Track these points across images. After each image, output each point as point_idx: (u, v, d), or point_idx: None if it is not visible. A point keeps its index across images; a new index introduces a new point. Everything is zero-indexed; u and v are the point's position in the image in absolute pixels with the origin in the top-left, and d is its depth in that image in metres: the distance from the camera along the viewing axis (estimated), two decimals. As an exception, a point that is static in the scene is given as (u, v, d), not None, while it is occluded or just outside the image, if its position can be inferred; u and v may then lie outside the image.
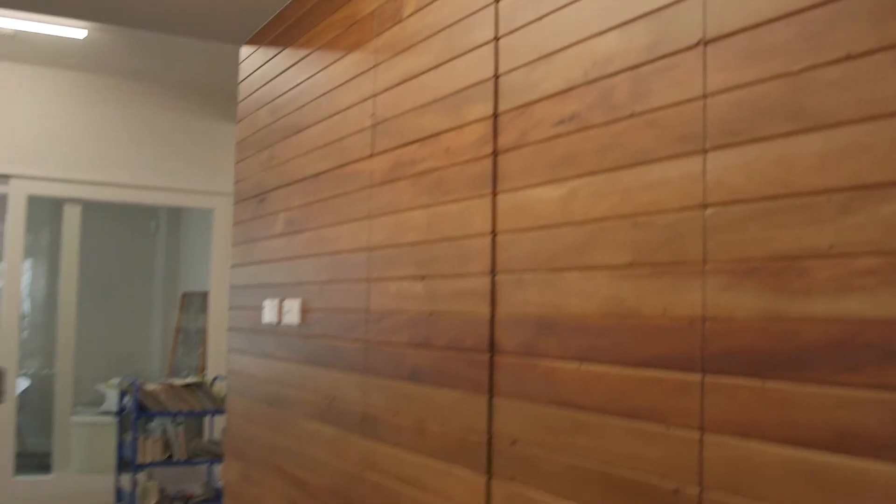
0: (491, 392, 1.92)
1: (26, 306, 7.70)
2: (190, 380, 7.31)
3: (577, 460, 1.67)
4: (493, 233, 1.92)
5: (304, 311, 2.85)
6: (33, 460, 8.39)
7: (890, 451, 1.13)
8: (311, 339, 2.80)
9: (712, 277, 1.40)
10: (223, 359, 8.05)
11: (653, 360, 1.50)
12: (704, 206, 1.41)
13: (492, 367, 1.92)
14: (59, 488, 7.65)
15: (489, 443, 1.92)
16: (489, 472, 1.92)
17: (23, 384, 7.92)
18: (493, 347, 1.92)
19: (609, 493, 1.59)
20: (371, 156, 2.45)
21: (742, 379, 1.34)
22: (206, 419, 7.97)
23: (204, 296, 8.91)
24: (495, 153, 1.93)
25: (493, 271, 1.92)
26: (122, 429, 7.36)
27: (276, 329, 3.05)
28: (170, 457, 7.12)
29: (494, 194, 1.92)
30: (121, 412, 7.36)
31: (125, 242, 10.40)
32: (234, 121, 7.83)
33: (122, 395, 7.28)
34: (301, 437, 2.84)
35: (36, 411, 8.94)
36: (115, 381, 7.46)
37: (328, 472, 2.65)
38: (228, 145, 8.04)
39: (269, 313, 3.10)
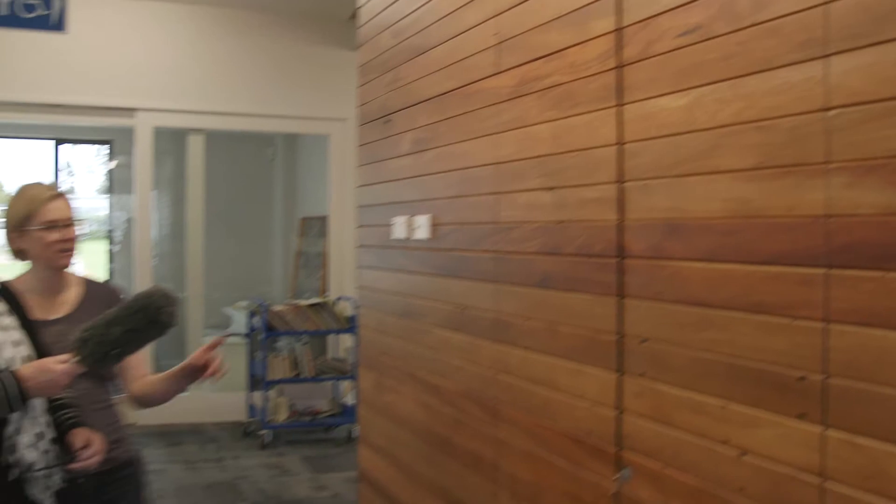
0: (620, 294, 2.04)
1: (154, 235, 8.08)
2: (314, 300, 7.63)
3: (704, 354, 1.78)
4: (620, 143, 2.02)
5: (434, 225, 3.00)
6: (169, 380, 8.87)
7: None
8: (441, 252, 2.96)
9: (835, 176, 1.48)
10: (344, 280, 8.34)
11: (778, 257, 1.60)
12: (827, 108, 1.49)
13: (621, 270, 2.03)
14: (196, 405, 8.10)
15: (619, 342, 2.05)
16: (620, 370, 2.05)
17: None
18: (621, 252, 2.03)
19: (736, 382, 1.70)
20: (496, 73, 2.56)
21: (864, 271, 1.43)
22: (331, 338, 8.30)
23: (322, 220, 9.20)
24: (620, 66, 2.02)
25: (619, 179, 2.02)
26: (252, 348, 7.74)
27: (407, 244, 3.21)
28: (297, 374, 7.48)
29: (620, 106, 2.02)
30: (250, 332, 7.73)
31: (244, 170, 10.74)
32: (348, 47, 7.98)
33: (251, 315, 7.63)
34: (434, 345, 3.01)
35: (169, 334, 9.44)
36: (242, 303, 7.81)
37: (461, 376, 2.82)
38: (343, 72, 8.20)
39: (398, 229, 3.27)
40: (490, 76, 2.61)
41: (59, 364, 2.22)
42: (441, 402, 2.97)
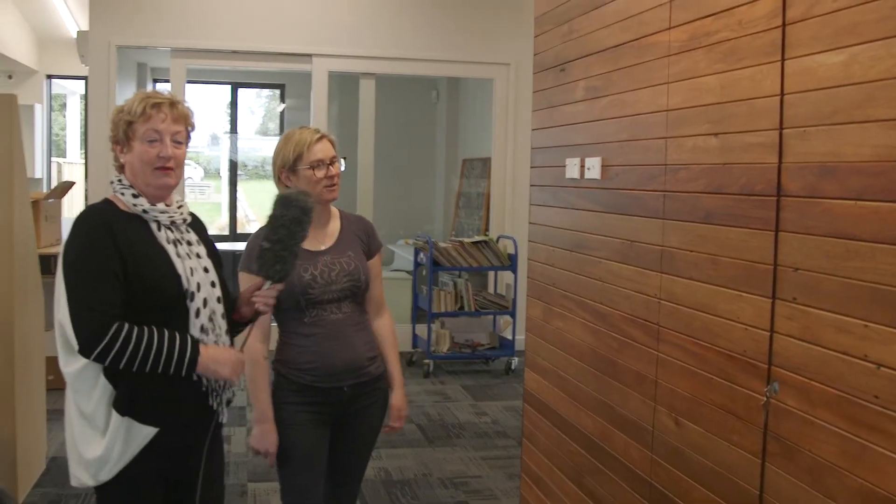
0: (776, 229, 2.30)
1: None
2: (477, 238, 7.99)
3: (849, 280, 2.03)
4: (781, 94, 2.27)
5: (605, 166, 3.28)
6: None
7: None
8: (611, 190, 3.24)
9: (973, 126, 1.71)
10: (505, 220, 8.67)
11: (919, 196, 1.84)
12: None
13: (778, 207, 2.29)
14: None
15: (774, 271, 2.31)
16: (774, 296, 2.32)
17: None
18: (779, 191, 2.28)
19: (877, 305, 1.95)
20: (669, 28, 2.81)
21: None
22: (491, 275, 8.68)
23: (484, 161, 9.53)
24: (784, 25, 2.26)
25: (780, 127, 2.27)
26: (417, 283, 8.18)
27: (579, 183, 3.50)
28: (460, 308, 7.89)
29: (782, 61, 2.26)
30: (416, 267, 8.16)
31: (409, 113, 11.14)
32: (516, -6, 8.22)
33: (418, 252, 8.06)
34: (602, 276, 3.31)
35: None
36: (410, 240, 8.21)
37: (628, 304, 3.11)
38: (508, 18, 8.46)
39: (571, 170, 3.56)
40: (663, 31, 2.85)
41: (233, 360, 2.55)
42: (608, 327, 3.27)
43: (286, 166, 3.01)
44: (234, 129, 11.52)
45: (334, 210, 3.16)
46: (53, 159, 13.14)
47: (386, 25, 8.38)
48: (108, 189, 2.62)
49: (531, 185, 4.08)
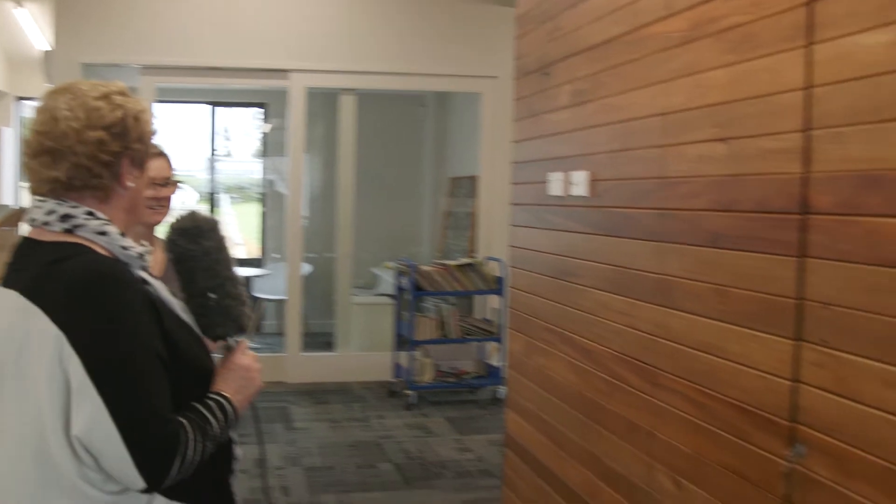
0: (802, 254, 1.87)
1: (305, 196, 8.18)
2: (463, 261, 7.59)
3: (900, 321, 1.61)
4: (808, 87, 1.85)
5: (593, 181, 2.88)
6: (317, 339, 9.02)
7: None
8: (600, 209, 2.83)
9: None
10: (493, 240, 8.28)
11: None
12: None
13: (804, 228, 1.86)
14: (342, 364, 8.22)
15: (799, 306, 1.88)
16: (798, 337, 1.88)
17: (305, 269, 8.46)
18: (805, 207, 1.86)
19: (939, 354, 1.52)
20: (667, 17, 2.41)
21: None
22: (478, 299, 8.27)
23: (472, 180, 9.15)
24: (811, 1, 1.84)
25: (806, 127, 1.85)
26: (399, 308, 7.78)
27: (563, 201, 3.10)
28: (444, 335, 7.48)
29: (809, 45, 1.84)
30: (398, 292, 7.76)
31: (394, 130, 10.78)
32: (500, 2, 7.86)
33: (399, 276, 7.66)
34: (589, 307, 2.90)
35: (317, 294, 9.57)
36: (391, 263, 7.86)
37: (618, 340, 2.70)
38: (496, 28, 8.10)
39: (555, 186, 3.16)
40: (660, 20, 2.45)
41: (247, 365, 1.94)
42: (595, 367, 2.85)
43: None
44: (213, 152, 11.17)
45: (157, 238, 2.90)
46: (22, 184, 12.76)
47: (367, 39, 8.03)
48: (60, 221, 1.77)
49: (512, 204, 3.68)
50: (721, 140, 2.16)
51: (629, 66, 2.64)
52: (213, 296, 1.92)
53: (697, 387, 2.27)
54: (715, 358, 2.19)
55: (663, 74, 2.44)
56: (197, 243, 1.95)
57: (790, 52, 1.90)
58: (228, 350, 1.93)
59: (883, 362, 1.65)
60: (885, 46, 1.64)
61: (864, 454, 1.70)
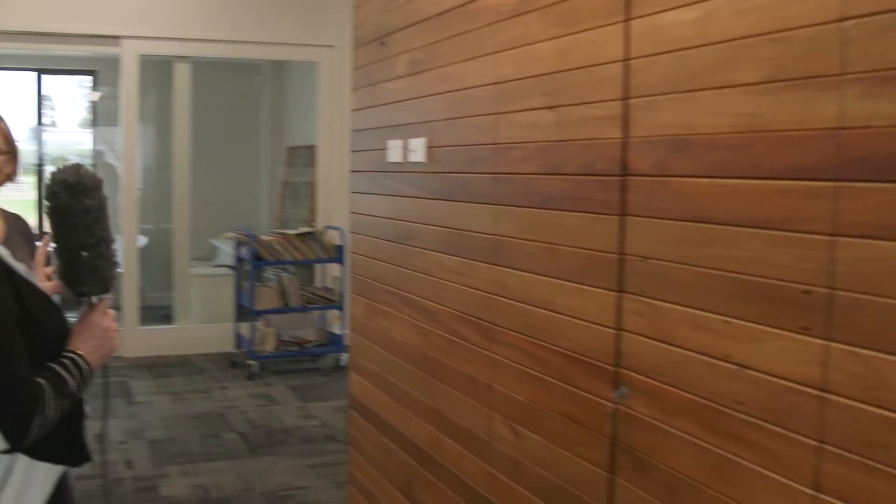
0: (622, 213, 2.02)
1: (140, 167, 7.98)
2: (303, 230, 7.60)
3: (707, 270, 1.78)
4: (626, 59, 1.99)
5: (430, 148, 2.97)
6: (155, 312, 8.85)
7: None
8: (437, 174, 2.93)
9: (850, 88, 1.46)
10: (332, 209, 8.31)
11: (786, 171, 1.59)
12: (844, 18, 1.47)
13: (623, 188, 2.02)
14: (182, 336, 8.11)
15: (620, 261, 2.04)
16: (620, 288, 2.05)
17: (141, 241, 8.28)
18: (624, 170, 2.01)
19: (739, 298, 1.70)
20: (498, -9, 2.52)
21: (875, 183, 1.42)
22: (318, 267, 8.30)
23: (310, 149, 9.12)
24: (628, -20, 1.98)
25: (625, 96, 2.00)
26: (239, 279, 7.72)
27: (402, 167, 3.18)
28: (285, 304, 7.48)
29: (627, 21, 1.99)
30: (238, 263, 7.70)
31: (231, 100, 10.61)
32: (337, -27, 7.85)
33: (239, 246, 7.60)
34: (429, 269, 3.00)
35: (155, 267, 9.38)
36: (230, 234, 7.78)
37: (457, 299, 2.81)
38: (334, -3, 8.07)
39: (393, 153, 3.24)
40: (491, -6, 2.56)
41: (105, 325, 1.96)
42: (436, 326, 2.97)
43: None
44: (39, 121, 10.70)
45: None
46: None
47: (202, 6, 7.87)
48: None
49: (352, 172, 3.74)
50: (549, 108, 2.29)
51: (463, 38, 2.74)
52: (85, 254, 1.93)
53: (531, 339, 2.41)
54: (547, 312, 2.34)
55: (495, 46, 2.55)
56: (78, 200, 1.92)
57: (610, 27, 2.04)
58: (90, 307, 1.96)
59: (692, 308, 1.82)
60: (692, 23, 1.79)
61: (678, 391, 1.87)
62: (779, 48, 1.59)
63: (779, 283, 1.61)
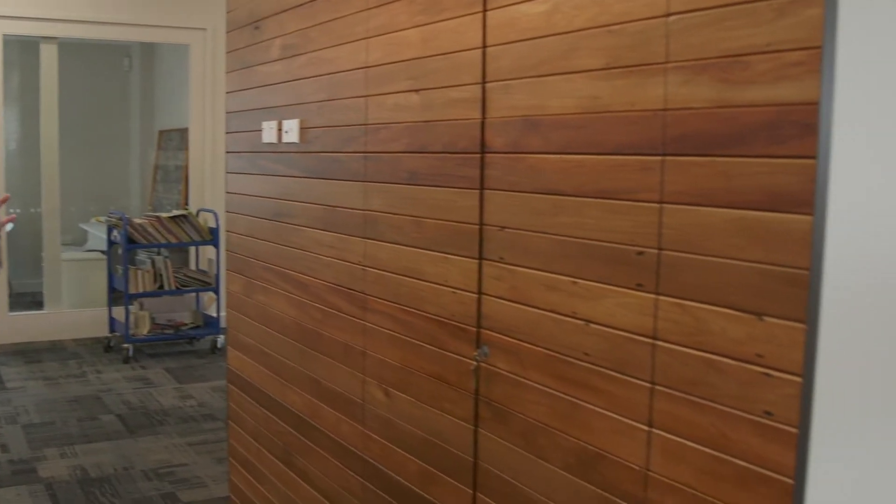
0: (482, 187, 2.22)
1: (4, 150, 7.82)
2: (175, 212, 7.59)
3: (558, 237, 1.98)
4: (484, 46, 2.18)
5: (304, 129, 3.11)
6: (24, 298, 8.71)
7: (807, 206, 1.44)
8: (311, 154, 3.07)
9: (673, 74, 1.68)
10: (205, 192, 8.31)
11: (622, 147, 1.80)
12: (668, 14, 1.68)
13: (482, 165, 2.21)
14: (54, 321, 8.02)
15: (480, 231, 2.23)
16: (481, 256, 2.24)
17: (8, 227, 8.12)
18: (483, 148, 2.20)
19: (585, 261, 1.91)
20: (366, -19, 2.68)
21: (695, 157, 1.64)
22: (192, 250, 8.30)
23: (182, 132, 9.09)
24: (484, -26, 2.17)
25: (483, 80, 2.19)
26: (111, 263, 7.67)
27: (277, 148, 3.31)
28: (159, 287, 7.48)
29: (484, 11, 2.17)
30: (110, 247, 7.64)
31: (99, 82, 10.45)
32: (207, -45, 7.84)
33: (111, 230, 7.55)
34: (304, 244, 3.14)
35: (23, 252, 9.21)
36: (102, 218, 7.72)
37: (331, 272, 2.97)
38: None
39: (268, 134, 3.36)
40: (360, -17, 2.71)
41: None
42: (311, 298, 3.11)
43: None
44: None
45: None
46: None
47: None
48: None
49: (227, 153, 3.84)
50: (415, 91, 2.47)
51: (334, 24, 2.89)
52: None
53: (401, 307, 2.59)
54: (415, 280, 2.52)
55: (365, 32, 2.71)
56: None
57: (470, 17, 2.23)
58: None
59: (545, 271, 2.03)
60: (540, 15, 1.99)
61: (533, 347, 2.08)
62: (613, 39, 1.80)
63: (618, 246, 1.83)
